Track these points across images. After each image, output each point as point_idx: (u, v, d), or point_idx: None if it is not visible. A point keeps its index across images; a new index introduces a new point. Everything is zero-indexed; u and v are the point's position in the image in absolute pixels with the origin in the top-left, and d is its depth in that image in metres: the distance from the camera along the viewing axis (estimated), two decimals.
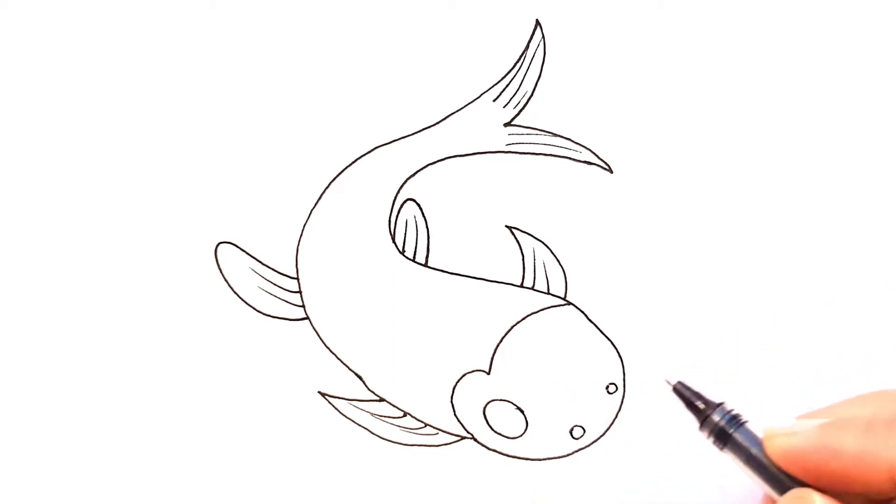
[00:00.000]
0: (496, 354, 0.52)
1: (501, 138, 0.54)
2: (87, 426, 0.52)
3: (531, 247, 0.53)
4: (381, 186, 0.53)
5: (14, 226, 0.53)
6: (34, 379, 0.52)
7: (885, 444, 0.38)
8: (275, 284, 0.53)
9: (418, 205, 0.53)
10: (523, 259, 0.53)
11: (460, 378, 0.52)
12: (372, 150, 0.53)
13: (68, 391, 0.52)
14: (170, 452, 0.52)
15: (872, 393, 0.43)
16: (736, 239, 0.53)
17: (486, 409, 0.52)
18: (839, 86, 0.53)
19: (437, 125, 0.53)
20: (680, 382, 0.44)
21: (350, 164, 0.53)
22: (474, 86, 0.54)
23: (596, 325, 0.52)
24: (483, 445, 0.52)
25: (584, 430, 0.52)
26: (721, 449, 0.42)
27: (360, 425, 0.52)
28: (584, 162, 0.53)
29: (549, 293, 0.53)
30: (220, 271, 0.53)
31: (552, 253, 0.53)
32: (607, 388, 0.52)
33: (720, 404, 0.43)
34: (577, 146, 0.53)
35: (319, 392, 0.52)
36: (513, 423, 0.52)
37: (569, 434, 0.52)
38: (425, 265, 0.53)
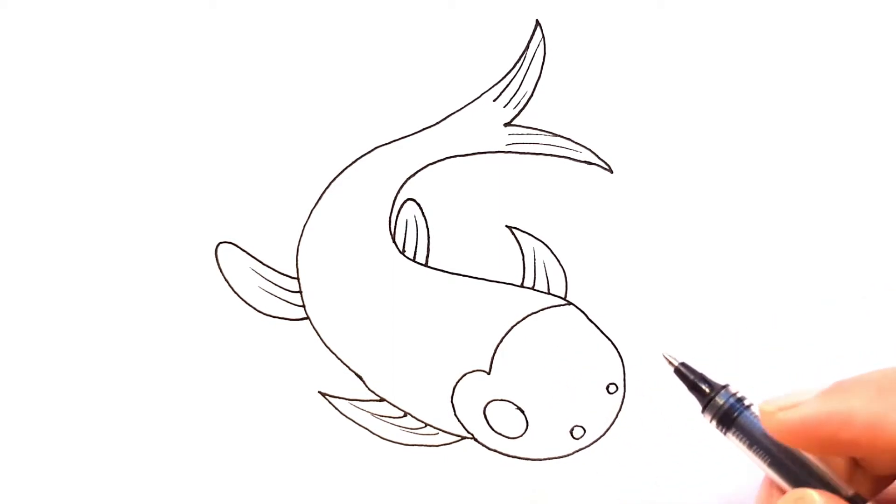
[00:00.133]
0: (496, 354, 0.52)
1: (501, 138, 0.54)
2: (88, 425, 0.52)
3: (531, 247, 0.53)
4: (382, 186, 0.53)
5: (14, 226, 0.53)
6: (34, 378, 0.52)
7: None
8: (275, 284, 0.53)
9: (418, 205, 0.53)
10: (523, 259, 0.53)
11: (460, 378, 0.52)
12: (372, 150, 0.53)
13: (69, 391, 0.52)
14: (170, 452, 0.52)
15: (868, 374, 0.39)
16: (736, 239, 0.53)
17: (487, 409, 0.52)
18: (839, 86, 0.53)
19: (437, 125, 0.53)
20: (683, 363, 0.42)
21: (350, 164, 0.53)
22: (474, 86, 0.54)
23: (596, 325, 0.52)
24: (483, 445, 0.52)
25: (585, 430, 0.52)
26: (725, 433, 0.41)
27: (360, 425, 0.52)
28: (584, 162, 0.53)
29: (549, 293, 0.53)
30: (221, 271, 0.53)
31: (552, 253, 0.53)
32: (607, 388, 0.52)
33: (725, 386, 0.41)
34: (577, 146, 0.53)
35: (320, 392, 0.52)
36: (513, 423, 0.52)
37: (569, 434, 0.52)
38: (425, 265, 0.53)
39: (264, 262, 0.53)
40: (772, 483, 0.41)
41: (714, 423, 0.41)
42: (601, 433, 0.52)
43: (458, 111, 0.53)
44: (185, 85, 0.53)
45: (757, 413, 0.40)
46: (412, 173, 0.53)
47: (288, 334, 0.53)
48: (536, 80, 0.53)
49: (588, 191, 0.53)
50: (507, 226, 0.53)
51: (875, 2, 0.54)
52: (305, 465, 0.52)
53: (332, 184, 0.53)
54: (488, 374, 0.52)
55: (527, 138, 0.53)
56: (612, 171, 0.53)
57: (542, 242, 0.53)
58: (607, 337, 0.52)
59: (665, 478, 0.51)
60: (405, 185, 0.53)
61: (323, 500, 0.52)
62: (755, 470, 0.41)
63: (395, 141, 0.53)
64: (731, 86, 0.53)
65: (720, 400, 0.41)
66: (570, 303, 0.53)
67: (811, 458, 0.40)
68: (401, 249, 0.53)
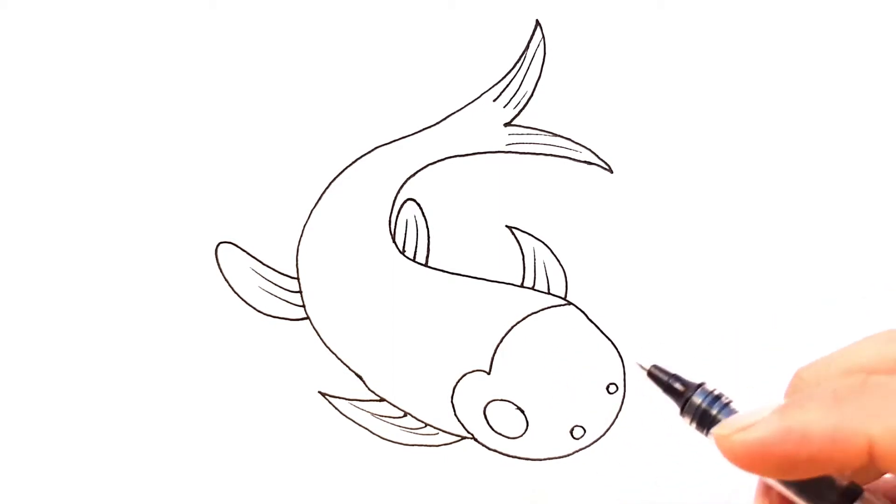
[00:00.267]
0: (496, 354, 0.52)
1: (501, 138, 0.54)
2: (88, 425, 0.52)
3: (531, 247, 0.53)
4: (382, 186, 0.53)
5: (15, 226, 0.53)
6: (34, 378, 0.52)
7: (858, 416, 0.32)
8: (275, 284, 0.53)
9: (418, 205, 0.53)
10: (523, 259, 0.53)
11: (461, 378, 0.52)
12: (372, 150, 0.53)
13: (69, 391, 0.52)
14: (170, 452, 0.52)
15: (833, 354, 0.37)
16: (736, 239, 0.53)
17: (487, 409, 0.52)
18: (839, 86, 0.53)
19: (437, 125, 0.53)
20: (654, 366, 0.39)
21: (350, 164, 0.53)
22: (474, 86, 0.54)
23: (596, 325, 0.52)
24: (483, 445, 0.52)
25: (585, 430, 0.52)
26: (706, 434, 0.37)
27: (360, 425, 0.52)
28: (584, 162, 0.53)
29: (549, 293, 0.53)
30: (221, 271, 0.53)
31: (552, 253, 0.53)
32: (607, 388, 0.52)
33: (701, 384, 0.37)
34: (577, 146, 0.53)
35: (320, 392, 0.52)
36: (513, 423, 0.52)
37: (569, 434, 0.52)
38: (425, 265, 0.53)
39: (264, 262, 0.53)
40: (767, 488, 0.40)
41: (694, 425, 0.37)
42: (601, 433, 0.52)
43: (458, 111, 0.53)
44: (185, 85, 0.53)
45: (738, 410, 0.37)
46: (412, 173, 0.53)
47: (288, 334, 0.53)
48: (536, 80, 0.53)
49: (588, 191, 0.53)
50: (507, 226, 0.53)
51: (875, 2, 0.54)
52: (306, 465, 0.52)
53: (332, 184, 0.53)
54: (488, 374, 0.52)
55: (527, 138, 0.53)
56: (612, 171, 0.53)
57: (542, 242, 0.53)
58: (607, 337, 0.52)
59: (665, 478, 0.51)
60: (405, 185, 0.53)
61: (323, 500, 0.52)
62: None
63: (395, 141, 0.53)
64: (731, 86, 0.53)
65: (697, 399, 0.37)
66: (570, 303, 0.53)
67: None
68: (401, 249, 0.53)
